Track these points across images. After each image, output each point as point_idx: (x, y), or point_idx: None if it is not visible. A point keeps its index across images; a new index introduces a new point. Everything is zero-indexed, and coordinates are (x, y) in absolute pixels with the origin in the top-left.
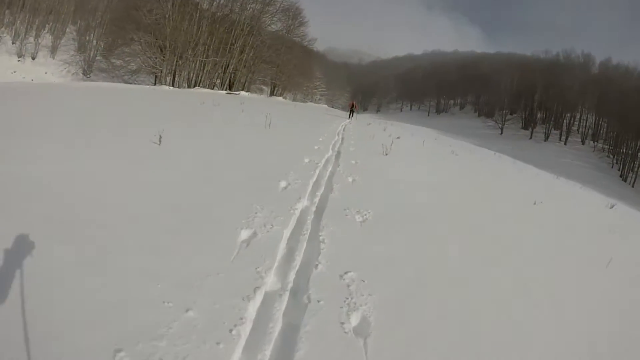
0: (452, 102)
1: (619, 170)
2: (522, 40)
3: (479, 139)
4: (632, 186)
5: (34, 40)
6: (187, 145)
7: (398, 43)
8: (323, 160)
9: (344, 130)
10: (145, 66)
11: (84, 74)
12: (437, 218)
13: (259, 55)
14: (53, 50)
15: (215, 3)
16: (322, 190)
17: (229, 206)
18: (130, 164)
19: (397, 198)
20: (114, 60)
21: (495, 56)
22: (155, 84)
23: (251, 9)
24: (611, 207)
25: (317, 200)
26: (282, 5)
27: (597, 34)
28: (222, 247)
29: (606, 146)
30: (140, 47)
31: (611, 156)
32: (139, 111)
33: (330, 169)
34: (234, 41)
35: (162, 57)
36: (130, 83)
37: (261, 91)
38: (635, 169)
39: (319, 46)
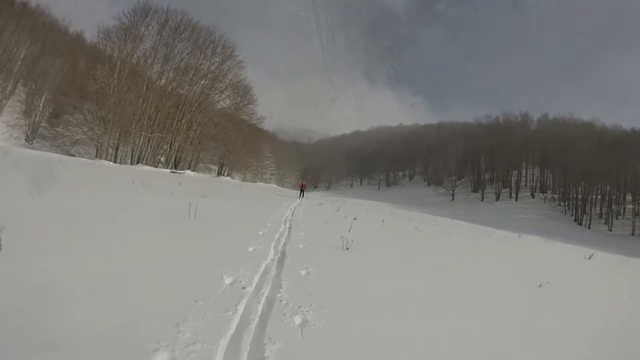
0: (400, 174)
1: (572, 215)
2: (463, 109)
3: (433, 207)
4: (589, 228)
5: None
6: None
7: (345, 121)
8: (257, 277)
9: (292, 214)
10: (87, 138)
11: (26, 140)
12: None
13: (206, 133)
14: None
15: (164, 77)
16: None
17: None
18: None
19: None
20: (58, 129)
21: (438, 126)
22: (95, 158)
23: (200, 85)
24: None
25: None
26: (231, 81)
27: (533, 93)
28: None
29: (555, 195)
30: (83, 116)
31: (562, 203)
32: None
33: (267, 294)
34: (180, 117)
35: (104, 129)
36: (73, 155)
37: (210, 170)
38: (587, 212)
39: (269, 125)
